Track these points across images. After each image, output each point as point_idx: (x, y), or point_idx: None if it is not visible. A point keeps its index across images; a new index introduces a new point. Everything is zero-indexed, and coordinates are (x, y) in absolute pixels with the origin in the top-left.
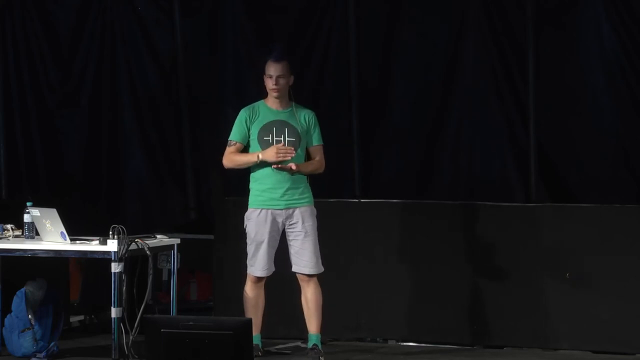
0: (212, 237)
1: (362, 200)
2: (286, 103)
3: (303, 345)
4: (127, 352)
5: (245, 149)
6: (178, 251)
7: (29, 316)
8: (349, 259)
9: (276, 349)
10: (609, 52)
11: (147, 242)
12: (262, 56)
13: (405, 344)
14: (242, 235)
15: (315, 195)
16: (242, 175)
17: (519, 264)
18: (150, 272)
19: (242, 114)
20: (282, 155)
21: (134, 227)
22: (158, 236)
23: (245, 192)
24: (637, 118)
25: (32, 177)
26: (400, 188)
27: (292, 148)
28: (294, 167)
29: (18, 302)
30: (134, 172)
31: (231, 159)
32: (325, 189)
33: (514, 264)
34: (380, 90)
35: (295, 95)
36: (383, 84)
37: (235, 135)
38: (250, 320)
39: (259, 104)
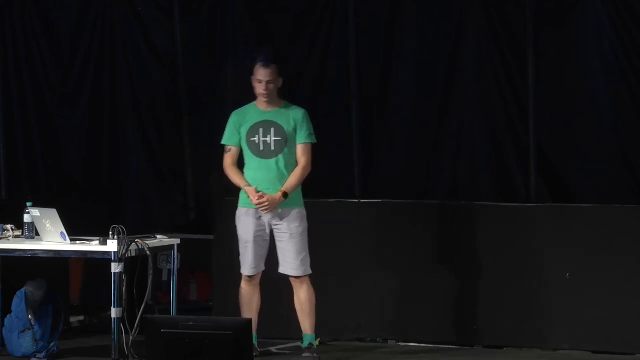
0: (212, 237)
1: (362, 201)
2: (276, 103)
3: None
4: (127, 352)
5: (241, 152)
6: (178, 251)
7: (29, 316)
8: (349, 259)
9: (276, 349)
10: (609, 52)
11: (147, 242)
12: (248, 59)
13: (405, 344)
14: None
15: (315, 195)
16: None
17: (519, 264)
18: (150, 272)
19: (232, 118)
20: (257, 204)
21: (134, 227)
22: (158, 236)
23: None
24: (637, 118)
25: (32, 177)
26: (400, 188)
27: (267, 203)
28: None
29: (18, 302)
30: (134, 172)
31: (228, 173)
32: (325, 189)
33: (514, 264)
34: (380, 90)
35: (294, 95)
36: (383, 84)
37: (229, 139)
38: (250, 321)
39: (250, 106)
